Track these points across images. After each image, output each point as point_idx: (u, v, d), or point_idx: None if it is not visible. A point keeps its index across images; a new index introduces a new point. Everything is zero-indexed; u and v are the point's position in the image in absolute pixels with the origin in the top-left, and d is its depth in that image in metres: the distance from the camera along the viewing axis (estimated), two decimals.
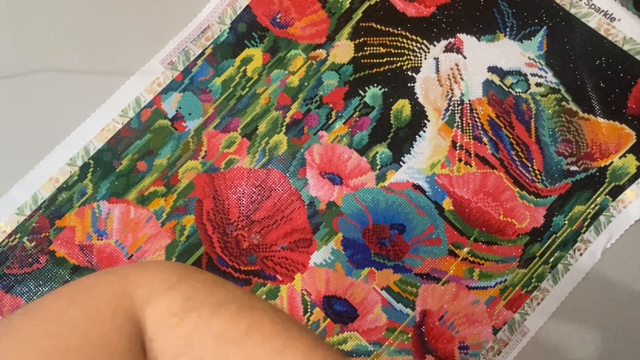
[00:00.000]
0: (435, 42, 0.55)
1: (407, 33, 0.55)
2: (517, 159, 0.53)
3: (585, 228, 0.52)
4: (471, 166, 0.53)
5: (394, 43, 0.55)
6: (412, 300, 0.52)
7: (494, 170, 0.53)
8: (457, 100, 0.54)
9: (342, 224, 0.53)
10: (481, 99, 0.54)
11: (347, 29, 0.56)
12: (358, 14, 0.56)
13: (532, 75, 0.54)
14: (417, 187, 0.53)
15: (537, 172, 0.53)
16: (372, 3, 0.56)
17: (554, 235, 0.52)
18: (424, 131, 0.54)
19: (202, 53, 0.55)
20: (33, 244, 0.52)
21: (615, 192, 0.52)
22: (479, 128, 0.54)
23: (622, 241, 0.52)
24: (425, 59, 0.55)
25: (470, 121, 0.54)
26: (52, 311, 0.29)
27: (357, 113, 0.54)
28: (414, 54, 0.55)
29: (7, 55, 0.56)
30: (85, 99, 0.55)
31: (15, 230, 0.53)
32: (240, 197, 0.53)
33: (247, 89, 0.55)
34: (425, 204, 0.53)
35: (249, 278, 0.52)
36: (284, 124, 0.54)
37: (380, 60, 0.55)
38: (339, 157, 0.54)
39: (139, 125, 0.54)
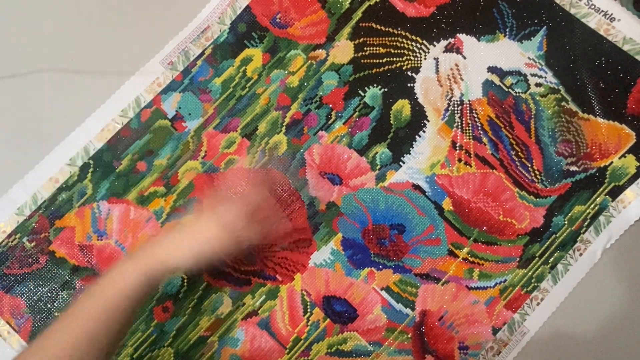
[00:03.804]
0: (435, 42, 0.55)
1: (407, 33, 0.55)
2: (516, 159, 0.53)
3: (585, 228, 0.52)
4: (471, 166, 0.53)
5: (394, 43, 0.55)
6: (411, 301, 0.52)
7: (494, 170, 0.53)
8: (456, 101, 0.54)
9: (341, 224, 0.53)
10: (481, 99, 0.54)
11: (347, 29, 0.56)
12: (358, 14, 0.56)
13: (532, 75, 0.54)
14: (416, 187, 0.53)
15: (537, 172, 0.53)
16: (372, 3, 0.56)
17: (554, 235, 0.52)
18: (424, 131, 0.54)
19: (202, 53, 0.55)
20: (33, 244, 0.52)
21: (615, 192, 0.52)
22: (479, 128, 0.54)
23: (622, 241, 0.52)
24: (425, 59, 0.55)
25: (470, 121, 0.54)
26: None
27: (356, 113, 0.54)
28: (414, 54, 0.55)
29: (7, 55, 0.56)
30: (85, 99, 0.55)
31: (15, 230, 0.53)
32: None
33: (247, 89, 0.55)
34: (425, 204, 0.53)
35: (249, 278, 0.52)
36: (284, 124, 0.54)
37: (380, 61, 0.55)
38: (338, 157, 0.54)
39: (138, 126, 0.54)
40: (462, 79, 0.54)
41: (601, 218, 0.52)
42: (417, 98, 0.54)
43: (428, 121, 0.54)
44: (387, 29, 0.56)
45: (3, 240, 0.52)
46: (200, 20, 0.56)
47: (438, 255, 0.52)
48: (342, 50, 0.55)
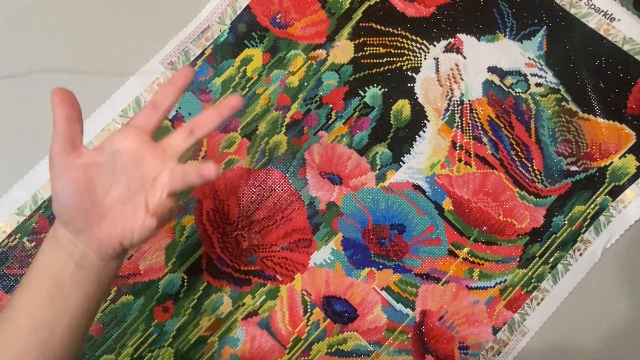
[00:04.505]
0: (435, 42, 0.55)
1: (407, 33, 0.55)
2: (517, 159, 0.53)
3: (585, 228, 0.52)
4: (471, 166, 0.53)
5: (394, 43, 0.55)
6: (412, 301, 0.52)
7: (494, 170, 0.53)
8: (456, 101, 0.54)
9: (342, 224, 0.53)
10: (481, 99, 0.54)
11: (347, 29, 0.56)
12: (358, 14, 0.56)
13: (532, 75, 0.54)
14: (417, 187, 0.53)
15: (537, 172, 0.53)
16: (372, 3, 0.56)
17: (554, 235, 0.52)
18: (424, 131, 0.54)
19: (202, 53, 0.55)
20: (33, 244, 0.52)
21: (615, 192, 0.52)
22: (479, 128, 0.54)
23: (622, 241, 0.52)
24: (425, 59, 0.55)
25: (470, 121, 0.54)
26: None
27: (357, 113, 0.54)
28: (414, 54, 0.55)
29: (7, 55, 0.56)
30: (85, 99, 0.54)
31: (15, 230, 0.53)
32: (240, 197, 0.53)
33: (247, 89, 0.55)
34: (425, 204, 0.53)
35: (249, 278, 0.52)
36: (284, 124, 0.54)
37: (380, 61, 0.55)
38: (338, 157, 0.54)
39: None
40: (462, 79, 0.54)
41: (601, 218, 0.52)
42: (417, 98, 0.54)
43: (428, 121, 0.54)
44: (387, 29, 0.56)
45: (3, 240, 0.52)
46: (200, 20, 0.56)
47: (438, 255, 0.52)
48: (342, 50, 0.55)
